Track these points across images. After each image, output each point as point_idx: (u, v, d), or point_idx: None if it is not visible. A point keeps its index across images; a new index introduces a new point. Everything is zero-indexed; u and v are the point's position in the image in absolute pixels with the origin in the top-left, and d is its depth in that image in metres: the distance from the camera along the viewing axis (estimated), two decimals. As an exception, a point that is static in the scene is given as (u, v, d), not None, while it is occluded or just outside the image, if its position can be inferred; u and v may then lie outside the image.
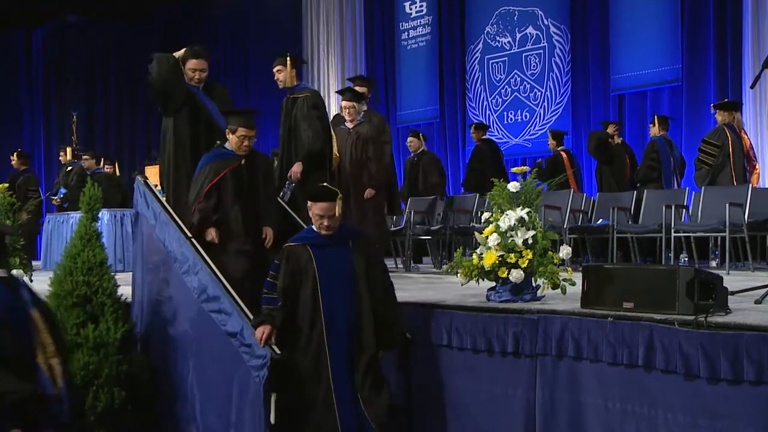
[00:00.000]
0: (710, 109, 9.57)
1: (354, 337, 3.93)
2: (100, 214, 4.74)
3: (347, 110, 6.67)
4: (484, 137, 10.01)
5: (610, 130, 9.09)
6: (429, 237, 8.12)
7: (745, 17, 9.32)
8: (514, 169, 4.52)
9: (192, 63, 5.25)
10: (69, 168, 10.69)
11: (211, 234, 4.63)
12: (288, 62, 6.14)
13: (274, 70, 6.19)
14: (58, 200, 10.43)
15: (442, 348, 4.28)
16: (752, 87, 7.38)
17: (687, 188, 7.49)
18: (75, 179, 10.25)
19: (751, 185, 7.03)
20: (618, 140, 9.18)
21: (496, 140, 11.85)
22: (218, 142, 4.95)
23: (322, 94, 13.50)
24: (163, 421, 4.61)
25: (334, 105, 13.46)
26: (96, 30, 16.08)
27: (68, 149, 11.10)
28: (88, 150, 11.72)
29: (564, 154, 9.36)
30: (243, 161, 4.78)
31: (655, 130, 8.40)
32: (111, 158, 12.64)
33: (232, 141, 4.75)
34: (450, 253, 7.53)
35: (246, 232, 4.73)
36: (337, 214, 3.97)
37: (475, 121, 11.72)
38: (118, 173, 11.92)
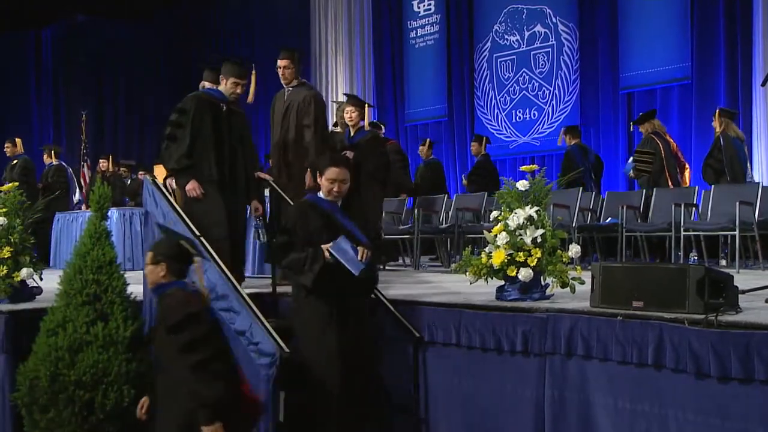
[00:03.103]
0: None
1: None
2: (109, 213, 4.75)
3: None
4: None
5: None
6: (437, 235, 8.12)
7: (755, 14, 9.27)
8: (522, 168, 4.50)
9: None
10: (14, 161, 10.40)
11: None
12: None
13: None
14: None
15: (451, 347, 4.28)
16: (763, 85, 7.41)
17: (696, 187, 7.46)
18: (19, 172, 10.00)
19: (682, 184, 7.59)
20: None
21: (504, 139, 11.87)
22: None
23: (330, 94, 13.63)
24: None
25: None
26: (105, 29, 16.13)
27: (53, 150, 10.99)
28: (46, 144, 11.64)
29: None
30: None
31: (567, 140, 8.89)
32: (107, 153, 12.60)
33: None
34: (458, 252, 7.52)
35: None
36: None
37: (483, 119, 11.74)
38: (111, 170, 11.82)
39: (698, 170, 8.15)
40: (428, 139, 10.26)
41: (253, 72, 5.62)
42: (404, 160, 9.43)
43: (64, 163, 11.05)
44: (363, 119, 6.72)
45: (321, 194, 4.08)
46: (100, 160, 12.00)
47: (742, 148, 7.63)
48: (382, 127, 9.55)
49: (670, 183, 7.73)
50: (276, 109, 6.19)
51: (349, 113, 6.64)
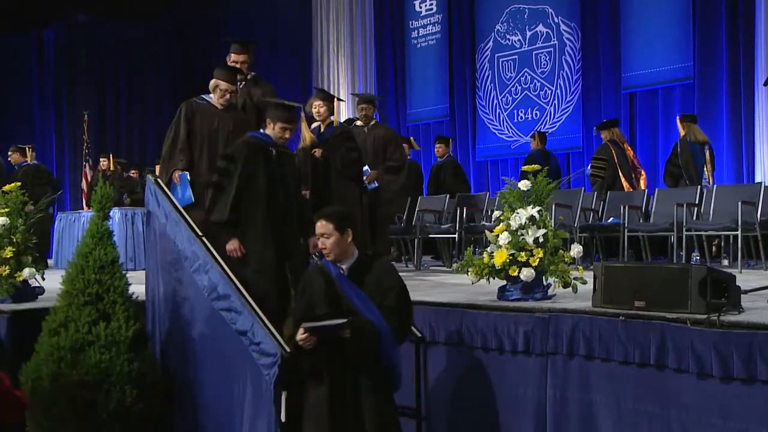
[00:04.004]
0: (723, 108, 9.57)
1: None
2: (111, 213, 4.76)
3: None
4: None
5: None
6: (440, 236, 8.11)
7: (757, 14, 9.25)
8: (524, 168, 4.50)
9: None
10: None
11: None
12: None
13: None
14: None
15: (453, 347, 4.28)
16: (765, 84, 7.44)
17: (698, 186, 7.46)
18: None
19: (640, 189, 7.90)
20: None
21: (506, 138, 11.86)
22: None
23: (332, 93, 13.64)
24: (176, 419, 4.62)
25: (344, 104, 13.47)
26: (106, 29, 16.14)
27: (28, 149, 10.78)
28: (20, 146, 11.15)
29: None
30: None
31: (536, 144, 9.65)
32: (107, 153, 12.41)
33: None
34: (460, 252, 7.53)
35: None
36: None
37: (485, 119, 11.73)
38: (111, 169, 11.66)
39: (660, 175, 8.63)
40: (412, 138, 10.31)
41: (302, 115, 5.63)
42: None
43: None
44: (332, 114, 6.43)
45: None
46: (101, 160, 11.95)
47: (700, 153, 7.84)
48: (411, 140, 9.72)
49: (625, 188, 8.10)
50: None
51: (317, 108, 6.21)
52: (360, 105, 7.33)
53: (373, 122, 7.21)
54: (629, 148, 8.48)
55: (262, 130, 4.84)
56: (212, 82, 5.34)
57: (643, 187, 8.22)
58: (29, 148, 10.51)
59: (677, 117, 8.33)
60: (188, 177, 5.17)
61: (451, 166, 9.91)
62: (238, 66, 5.66)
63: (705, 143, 7.95)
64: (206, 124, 5.33)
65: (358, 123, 7.32)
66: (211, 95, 5.38)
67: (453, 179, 9.67)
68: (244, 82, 5.83)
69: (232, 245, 4.56)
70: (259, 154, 4.65)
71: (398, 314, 3.62)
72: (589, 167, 8.60)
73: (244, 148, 4.67)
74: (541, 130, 10.45)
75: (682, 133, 7.95)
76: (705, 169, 7.81)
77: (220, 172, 4.66)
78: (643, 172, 8.54)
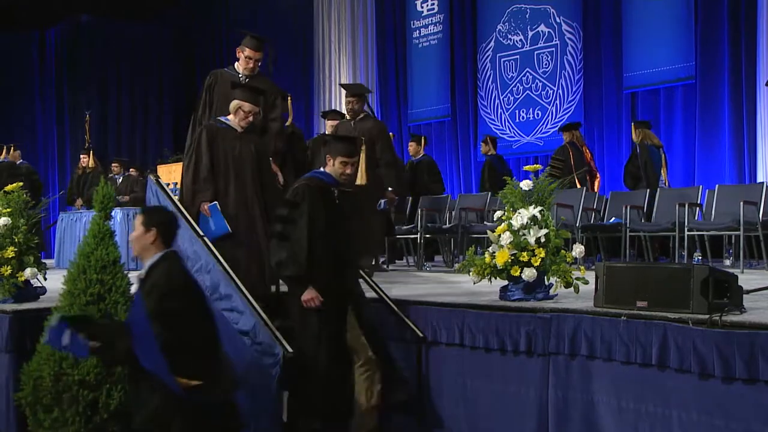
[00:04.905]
0: (725, 107, 9.56)
1: None
2: (113, 213, 4.75)
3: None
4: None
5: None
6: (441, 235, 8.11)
7: (760, 14, 9.23)
8: (526, 167, 4.50)
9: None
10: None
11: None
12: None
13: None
14: None
15: (455, 347, 4.28)
16: (767, 84, 7.41)
17: (700, 186, 7.46)
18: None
19: (591, 191, 8.31)
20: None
21: (508, 138, 11.85)
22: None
23: (333, 93, 13.63)
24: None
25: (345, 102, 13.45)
26: (109, 29, 16.14)
27: (12, 147, 10.62)
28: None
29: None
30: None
31: (488, 149, 9.95)
32: (86, 149, 12.12)
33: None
34: (462, 252, 7.52)
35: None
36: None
37: (487, 119, 11.70)
38: (91, 166, 11.37)
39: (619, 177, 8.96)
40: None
41: (363, 147, 5.49)
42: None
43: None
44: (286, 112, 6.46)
45: None
46: (81, 156, 11.49)
47: (658, 156, 8.23)
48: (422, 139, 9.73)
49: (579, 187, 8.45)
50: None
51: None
52: (346, 98, 6.90)
53: (361, 116, 6.75)
54: (587, 151, 8.85)
55: (322, 168, 4.41)
56: (234, 103, 5.01)
57: (596, 190, 8.69)
58: (13, 146, 10.49)
59: (632, 123, 8.79)
60: (218, 206, 4.89)
61: (426, 164, 9.76)
62: (251, 63, 5.44)
63: (660, 147, 8.38)
64: (229, 150, 5.00)
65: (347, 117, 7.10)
66: (230, 117, 5.06)
67: (429, 178, 9.60)
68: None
69: (309, 295, 4.12)
70: (321, 198, 4.24)
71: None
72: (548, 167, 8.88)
73: (306, 192, 4.23)
74: (492, 135, 10.62)
75: (636, 138, 8.31)
76: (662, 171, 8.25)
77: (283, 220, 4.24)
78: (598, 175, 9.04)
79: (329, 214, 4.22)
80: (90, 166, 11.37)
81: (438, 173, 9.87)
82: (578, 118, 10.99)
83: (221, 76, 5.56)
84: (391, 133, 10.05)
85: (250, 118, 5.00)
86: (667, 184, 8.27)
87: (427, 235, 8.04)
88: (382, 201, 6.13)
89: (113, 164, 11.63)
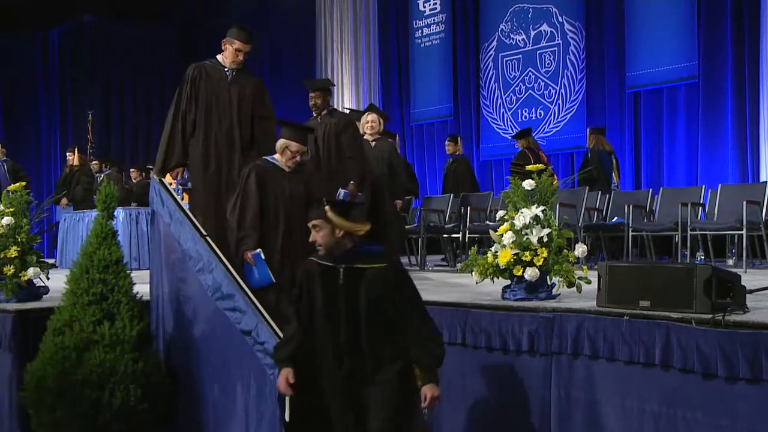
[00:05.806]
0: (728, 107, 9.54)
1: None
2: (115, 213, 4.76)
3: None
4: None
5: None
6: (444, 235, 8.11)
7: (763, 13, 9.23)
8: (528, 167, 4.50)
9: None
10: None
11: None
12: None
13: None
14: None
15: (457, 347, 4.27)
16: None
17: (703, 186, 7.45)
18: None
19: None
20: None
21: (510, 138, 11.85)
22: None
23: (336, 93, 13.65)
24: (180, 418, 4.63)
25: (347, 102, 13.47)
26: (112, 29, 16.18)
27: None
28: None
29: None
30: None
31: (455, 149, 9.99)
32: (72, 146, 11.90)
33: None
34: (464, 251, 7.52)
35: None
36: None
37: (489, 119, 11.70)
38: (77, 163, 11.13)
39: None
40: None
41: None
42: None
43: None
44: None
45: None
46: (68, 154, 11.21)
47: (608, 160, 8.84)
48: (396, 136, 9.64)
49: None
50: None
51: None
52: (309, 94, 6.40)
53: (324, 111, 6.24)
54: (543, 155, 9.06)
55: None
56: (281, 142, 4.72)
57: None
58: None
59: (587, 129, 9.28)
60: (262, 255, 4.60)
61: (465, 163, 10.09)
62: (241, 56, 5.36)
63: (611, 152, 9.01)
64: (279, 192, 4.69)
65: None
66: (277, 156, 4.77)
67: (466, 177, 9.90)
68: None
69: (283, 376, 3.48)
70: (317, 276, 3.50)
71: None
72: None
73: (302, 273, 3.57)
74: (454, 134, 10.68)
75: (590, 144, 8.87)
76: (613, 174, 8.92)
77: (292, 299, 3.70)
78: (555, 179, 9.09)
79: (327, 297, 3.48)
80: (76, 164, 11.10)
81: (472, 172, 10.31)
82: (581, 118, 11.00)
83: (206, 69, 5.48)
84: (396, 134, 10.13)
85: (298, 158, 4.72)
86: (618, 186, 8.90)
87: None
88: (342, 191, 5.95)
89: (131, 170, 11.59)
